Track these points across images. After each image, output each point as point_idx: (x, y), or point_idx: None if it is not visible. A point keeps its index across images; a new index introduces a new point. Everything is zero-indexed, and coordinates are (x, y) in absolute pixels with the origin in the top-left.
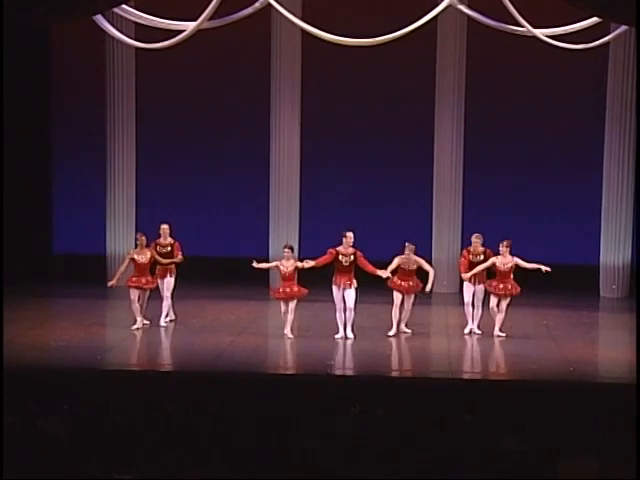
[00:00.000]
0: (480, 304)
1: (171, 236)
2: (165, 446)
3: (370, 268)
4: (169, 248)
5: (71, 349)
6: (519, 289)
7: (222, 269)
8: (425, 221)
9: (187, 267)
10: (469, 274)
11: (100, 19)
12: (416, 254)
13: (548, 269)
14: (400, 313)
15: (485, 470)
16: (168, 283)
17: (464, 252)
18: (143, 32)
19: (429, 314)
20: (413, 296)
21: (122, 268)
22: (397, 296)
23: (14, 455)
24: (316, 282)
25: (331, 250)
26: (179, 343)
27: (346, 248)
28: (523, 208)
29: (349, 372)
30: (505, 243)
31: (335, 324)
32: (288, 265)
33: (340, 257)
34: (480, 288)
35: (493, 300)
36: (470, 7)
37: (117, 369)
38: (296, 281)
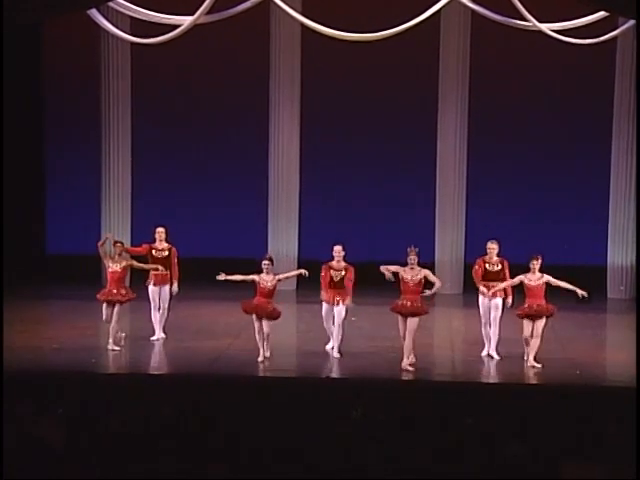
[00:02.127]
0: (498, 322)
1: (167, 240)
2: (161, 450)
3: (349, 288)
4: (166, 253)
5: (65, 352)
6: (553, 308)
7: (220, 270)
8: (427, 221)
9: (184, 268)
10: (491, 290)
11: (95, 13)
12: (419, 256)
13: (585, 294)
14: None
15: (488, 474)
16: (166, 293)
17: (479, 261)
18: (139, 27)
19: (432, 316)
20: (416, 320)
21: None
22: (400, 320)
23: (9, 458)
24: (316, 283)
25: (325, 267)
26: (176, 345)
27: (338, 262)
28: (528, 208)
29: (349, 375)
30: (537, 260)
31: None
32: (268, 280)
33: (332, 272)
34: (496, 302)
35: (527, 326)
36: (474, 1)
37: (112, 372)
38: (273, 299)
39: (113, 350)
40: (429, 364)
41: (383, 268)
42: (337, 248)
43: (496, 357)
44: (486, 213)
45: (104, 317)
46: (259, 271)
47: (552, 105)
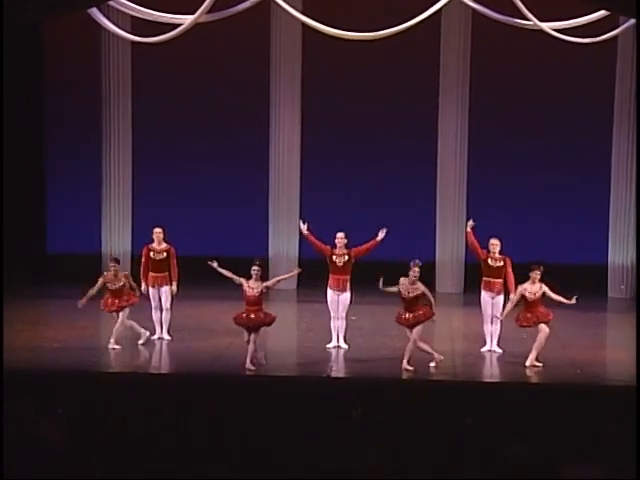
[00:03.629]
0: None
1: (165, 240)
2: (162, 449)
3: (369, 244)
4: (164, 254)
5: (66, 351)
6: (551, 315)
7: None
8: (428, 220)
9: (185, 267)
10: (506, 312)
11: (96, 12)
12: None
13: (576, 298)
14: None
15: (488, 474)
16: (166, 293)
17: (483, 250)
18: (139, 25)
19: None
20: (420, 327)
21: (94, 291)
22: (407, 331)
23: (9, 458)
24: (317, 282)
25: (328, 246)
26: (177, 344)
27: (340, 249)
28: (529, 207)
29: (350, 374)
30: (538, 269)
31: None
32: (255, 286)
33: (334, 257)
34: (498, 300)
35: (545, 331)
36: (475, 0)
37: (113, 371)
38: (262, 306)
39: (114, 349)
40: (429, 363)
41: (382, 287)
42: (340, 235)
43: (498, 351)
44: (487, 212)
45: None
46: (250, 276)
47: (553, 104)
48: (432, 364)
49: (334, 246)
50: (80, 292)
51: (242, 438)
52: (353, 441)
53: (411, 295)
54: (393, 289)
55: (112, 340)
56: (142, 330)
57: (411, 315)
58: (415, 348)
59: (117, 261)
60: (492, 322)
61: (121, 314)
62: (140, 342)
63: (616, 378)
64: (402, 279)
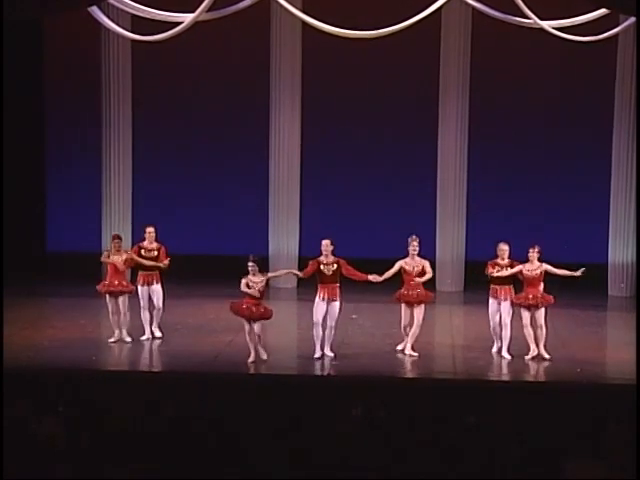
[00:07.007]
0: (509, 322)
1: (157, 240)
2: (161, 448)
3: (358, 275)
4: (155, 253)
5: (65, 349)
6: (552, 298)
7: (221, 267)
8: (428, 219)
9: (185, 266)
10: (496, 274)
11: (96, 11)
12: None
13: (582, 270)
14: (408, 328)
15: (489, 472)
16: (157, 292)
17: (490, 263)
18: (140, 24)
19: (433, 313)
20: (423, 308)
21: (103, 258)
22: (405, 309)
23: (9, 456)
24: (316, 281)
25: (312, 261)
26: (176, 343)
27: (327, 257)
28: (529, 205)
29: (351, 372)
30: (534, 249)
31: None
32: (257, 281)
33: (322, 267)
34: (506, 305)
35: (525, 316)
36: None
37: (112, 369)
38: (264, 299)
39: (116, 341)
40: (430, 362)
41: (383, 278)
42: (325, 242)
43: (507, 357)
44: (487, 211)
45: (110, 310)
46: (247, 272)
47: (552, 103)
48: (399, 347)
49: (320, 254)
50: (80, 291)
51: (242, 437)
52: (353, 441)
53: (417, 269)
54: (393, 270)
55: (124, 332)
56: (116, 330)
57: (415, 292)
58: (417, 329)
59: (119, 238)
60: (502, 326)
61: (121, 303)
62: (110, 340)
63: (616, 377)
64: (400, 261)
